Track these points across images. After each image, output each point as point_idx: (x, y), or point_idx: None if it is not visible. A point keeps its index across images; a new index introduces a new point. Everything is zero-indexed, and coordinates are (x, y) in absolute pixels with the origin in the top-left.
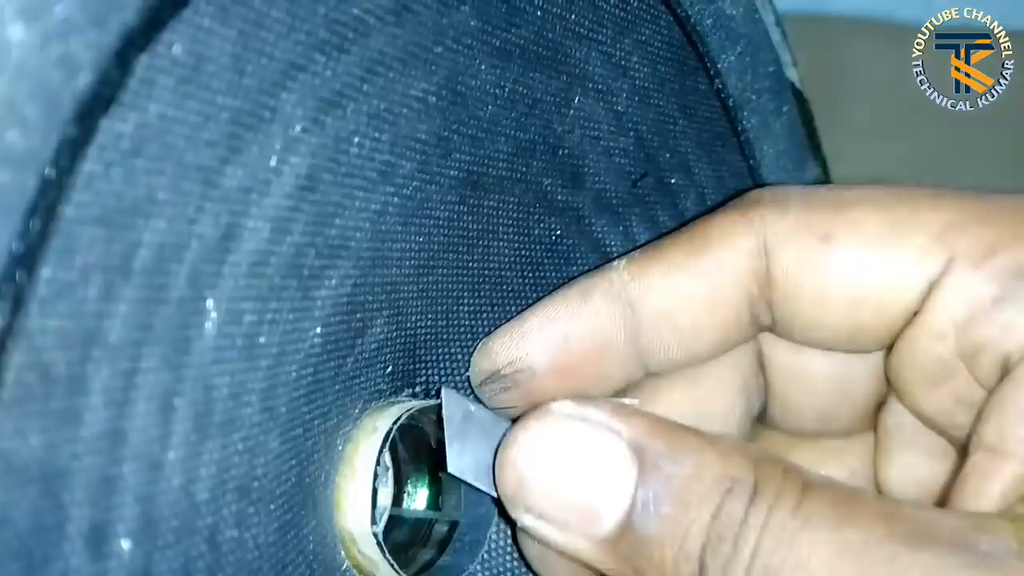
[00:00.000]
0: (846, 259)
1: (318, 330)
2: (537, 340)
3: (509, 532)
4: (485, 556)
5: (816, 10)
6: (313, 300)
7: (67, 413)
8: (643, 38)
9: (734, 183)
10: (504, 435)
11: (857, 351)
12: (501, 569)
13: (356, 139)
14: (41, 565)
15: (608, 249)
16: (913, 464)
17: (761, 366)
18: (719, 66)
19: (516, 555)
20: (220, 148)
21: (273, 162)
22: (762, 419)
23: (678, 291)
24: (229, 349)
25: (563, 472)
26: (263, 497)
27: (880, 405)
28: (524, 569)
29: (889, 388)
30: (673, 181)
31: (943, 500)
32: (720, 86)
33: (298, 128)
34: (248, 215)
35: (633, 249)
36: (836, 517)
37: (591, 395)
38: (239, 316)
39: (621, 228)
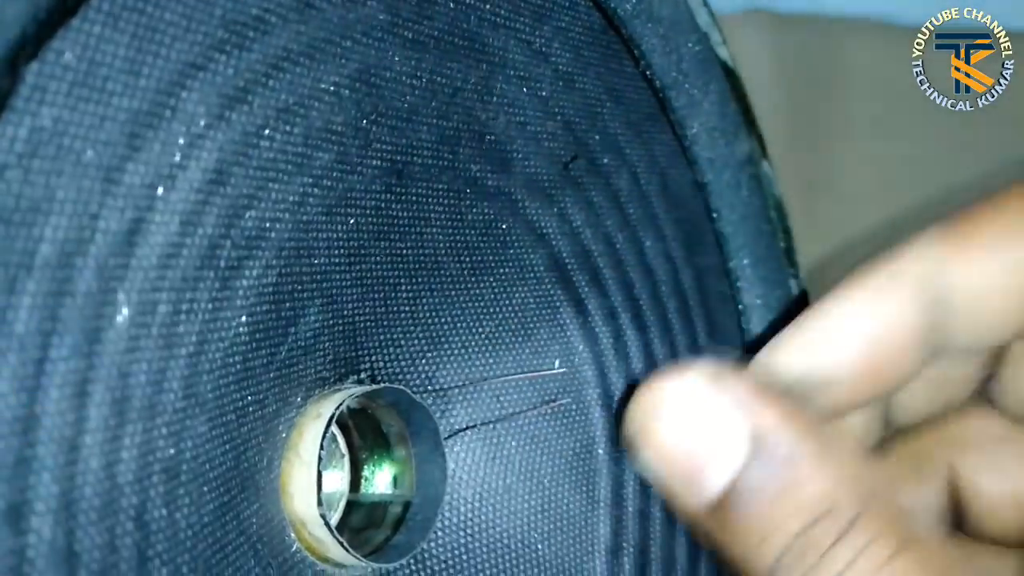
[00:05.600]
0: None
1: (243, 319)
2: (836, 349)
3: (462, 510)
4: (438, 534)
5: (816, 10)
6: (234, 290)
7: None
8: (563, 24)
9: (666, 161)
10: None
11: None
12: (454, 546)
13: (266, 132)
14: None
15: (544, 231)
16: None
17: None
18: (643, 48)
19: (468, 532)
20: (120, 147)
21: (177, 158)
22: None
23: (992, 278)
24: (145, 338)
25: (679, 433)
26: (194, 479)
27: None
28: (475, 546)
29: None
30: (605, 162)
31: None
32: (646, 67)
33: (201, 124)
34: (154, 210)
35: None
36: None
37: (882, 395)
38: (153, 306)
39: (555, 210)
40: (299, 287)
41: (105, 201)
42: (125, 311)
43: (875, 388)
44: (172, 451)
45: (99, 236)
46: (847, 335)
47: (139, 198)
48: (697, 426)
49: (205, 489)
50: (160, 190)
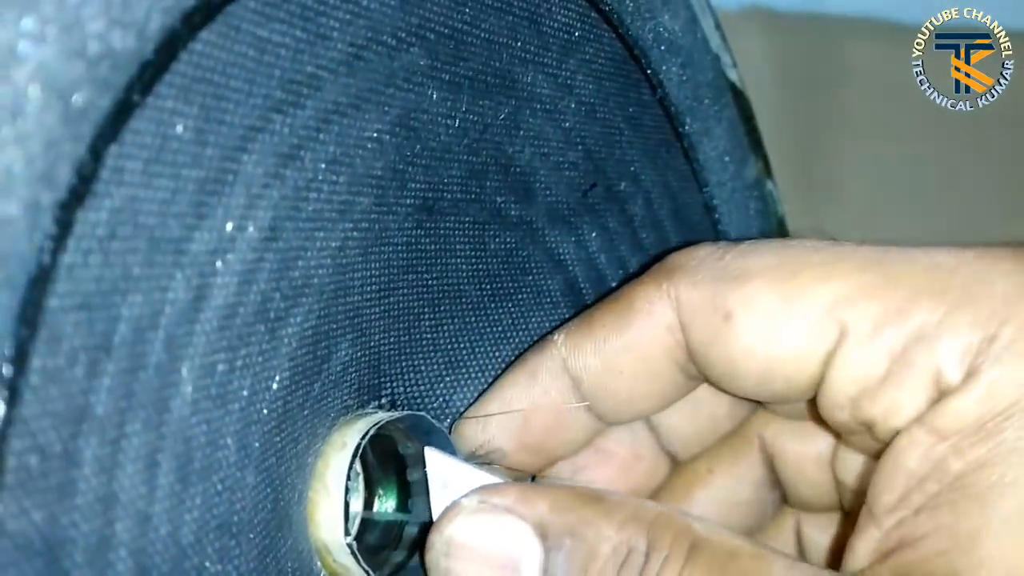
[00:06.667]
0: (746, 337)
1: (287, 364)
2: (499, 426)
3: None
4: None
5: (816, 10)
6: (280, 339)
7: (63, 486)
8: (587, 57)
9: (679, 186)
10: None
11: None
12: None
13: (315, 185)
14: None
15: (561, 257)
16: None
17: None
18: (661, 77)
19: None
20: (188, 217)
21: (237, 220)
22: None
23: (610, 364)
24: (204, 400)
25: (479, 562)
26: (242, 529)
27: None
28: None
29: None
30: (621, 188)
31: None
32: (663, 96)
33: (260, 185)
34: (216, 273)
35: (569, 319)
36: None
37: (564, 456)
38: (212, 368)
39: (573, 237)
40: (334, 326)
41: (174, 273)
42: (189, 377)
43: (542, 455)
44: (226, 506)
45: (168, 308)
46: (503, 418)
47: (204, 264)
48: (492, 551)
49: (251, 536)
50: (222, 254)
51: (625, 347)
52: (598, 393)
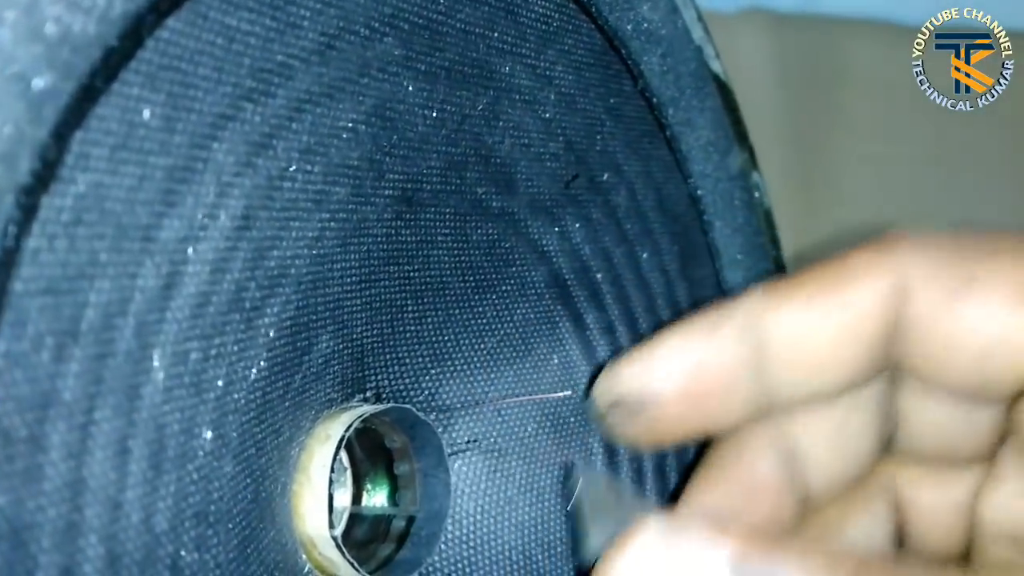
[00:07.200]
0: (986, 306)
1: (264, 354)
2: (668, 367)
3: (465, 523)
4: (442, 548)
5: (816, 10)
6: (257, 329)
7: (29, 471)
8: (566, 48)
9: (662, 176)
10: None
11: (982, 400)
12: (458, 559)
13: (289, 174)
14: None
15: (545, 248)
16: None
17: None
18: (641, 68)
19: (471, 545)
20: (157, 205)
21: (208, 209)
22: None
23: (810, 326)
24: (177, 388)
25: None
26: (220, 519)
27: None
28: (478, 559)
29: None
30: (604, 179)
31: None
32: (644, 87)
33: (231, 173)
34: (187, 262)
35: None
36: None
37: (714, 429)
38: (185, 356)
39: (556, 228)
40: (314, 317)
41: (143, 260)
42: (160, 364)
43: (698, 416)
44: (202, 495)
45: (138, 295)
46: (673, 361)
47: (174, 252)
48: None
49: (230, 526)
50: (193, 242)
51: (830, 310)
52: (783, 360)
